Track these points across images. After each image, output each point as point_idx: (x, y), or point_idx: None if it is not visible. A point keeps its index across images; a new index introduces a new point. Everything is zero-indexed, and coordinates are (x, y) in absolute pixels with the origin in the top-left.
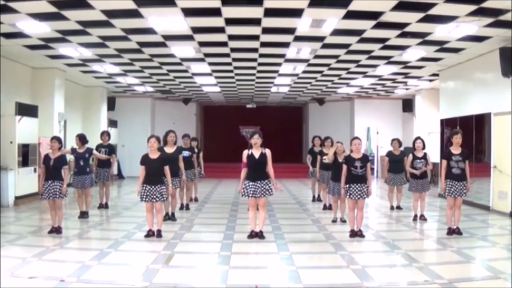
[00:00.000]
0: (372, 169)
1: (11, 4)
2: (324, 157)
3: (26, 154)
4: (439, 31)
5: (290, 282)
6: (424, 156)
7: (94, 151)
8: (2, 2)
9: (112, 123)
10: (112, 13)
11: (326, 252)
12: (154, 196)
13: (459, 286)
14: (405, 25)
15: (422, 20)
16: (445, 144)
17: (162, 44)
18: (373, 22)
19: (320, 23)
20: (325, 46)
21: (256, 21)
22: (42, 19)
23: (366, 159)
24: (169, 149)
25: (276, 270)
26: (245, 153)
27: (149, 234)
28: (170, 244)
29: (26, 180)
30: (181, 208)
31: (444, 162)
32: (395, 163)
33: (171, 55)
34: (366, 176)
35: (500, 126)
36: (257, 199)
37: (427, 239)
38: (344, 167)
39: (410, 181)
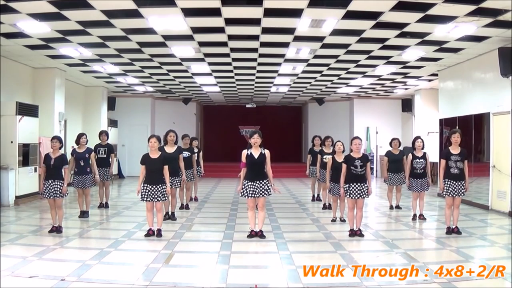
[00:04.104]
0: (371, 168)
1: (11, 4)
2: (325, 157)
3: (26, 154)
4: (438, 31)
5: (289, 282)
6: (424, 156)
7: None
8: (2, 2)
9: (112, 122)
10: (112, 13)
11: (325, 251)
12: (155, 196)
13: (458, 285)
14: (404, 25)
15: (421, 20)
16: (444, 144)
17: (162, 44)
18: (372, 22)
19: (320, 23)
20: (325, 46)
21: (256, 21)
22: (42, 19)
23: (366, 158)
24: (169, 149)
25: (275, 269)
26: (244, 152)
27: (149, 233)
28: (170, 244)
29: (26, 180)
30: (181, 207)
31: (443, 161)
32: (395, 162)
33: (171, 55)
34: (366, 175)
35: (499, 126)
36: (256, 199)
37: (426, 239)
38: (344, 166)
39: (409, 180)
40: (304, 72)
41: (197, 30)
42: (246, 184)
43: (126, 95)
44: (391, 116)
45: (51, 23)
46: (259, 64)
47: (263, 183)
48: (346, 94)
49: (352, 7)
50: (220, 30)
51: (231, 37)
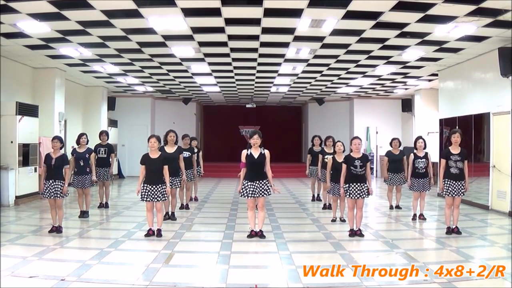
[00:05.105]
0: (371, 168)
1: (11, 4)
2: (326, 156)
3: (26, 154)
4: (438, 31)
5: (289, 282)
6: (426, 156)
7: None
8: (2, 2)
9: (112, 122)
10: (112, 13)
11: (325, 251)
12: (155, 196)
13: (458, 285)
14: (404, 25)
15: (421, 20)
16: (444, 144)
17: (162, 44)
18: (372, 22)
19: (320, 23)
20: (325, 46)
21: (256, 21)
22: (42, 19)
23: (366, 158)
24: (170, 149)
25: (275, 269)
26: (244, 153)
27: (149, 233)
28: (170, 244)
29: (26, 180)
30: (181, 207)
31: (443, 161)
32: (395, 162)
33: (171, 55)
34: (365, 175)
35: (499, 125)
36: (256, 199)
37: (426, 239)
38: (344, 166)
39: (411, 180)
40: (304, 72)
41: (197, 30)
42: (246, 184)
43: (126, 95)
44: (391, 116)
45: (51, 23)
46: (259, 64)
47: (262, 183)
48: (346, 94)
49: (352, 7)
50: (220, 30)
51: (231, 37)
